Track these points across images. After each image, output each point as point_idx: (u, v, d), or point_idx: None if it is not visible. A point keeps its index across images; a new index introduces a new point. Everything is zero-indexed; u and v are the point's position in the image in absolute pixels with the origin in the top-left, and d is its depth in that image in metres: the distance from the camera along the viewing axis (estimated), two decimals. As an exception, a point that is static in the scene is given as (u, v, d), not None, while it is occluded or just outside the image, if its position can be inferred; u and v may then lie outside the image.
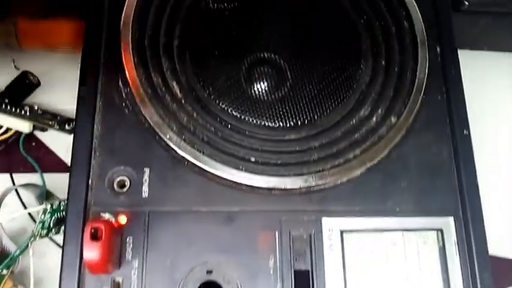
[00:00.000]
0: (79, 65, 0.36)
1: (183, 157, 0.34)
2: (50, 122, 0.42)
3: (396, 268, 0.34)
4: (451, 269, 0.34)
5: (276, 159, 0.35)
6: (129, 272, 0.31)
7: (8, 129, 0.42)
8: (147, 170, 0.33)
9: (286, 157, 0.35)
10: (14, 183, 0.42)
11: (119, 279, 0.31)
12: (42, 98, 0.44)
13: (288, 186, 0.34)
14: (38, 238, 0.36)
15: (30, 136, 0.44)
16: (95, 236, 0.27)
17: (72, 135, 0.36)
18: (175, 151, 0.34)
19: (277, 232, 0.33)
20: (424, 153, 0.36)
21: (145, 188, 0.33)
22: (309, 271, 0.33)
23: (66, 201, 0.34)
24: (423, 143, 0.36)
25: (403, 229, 0.34)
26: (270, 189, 0.34)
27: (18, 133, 0.42)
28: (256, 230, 0.33)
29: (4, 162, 0.43)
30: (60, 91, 0.44)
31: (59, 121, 0.42)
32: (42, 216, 0.35)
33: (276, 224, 0.33)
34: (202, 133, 0.35)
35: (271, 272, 0.32)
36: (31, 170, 0.42)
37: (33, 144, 0.44)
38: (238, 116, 0.36)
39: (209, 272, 0.32)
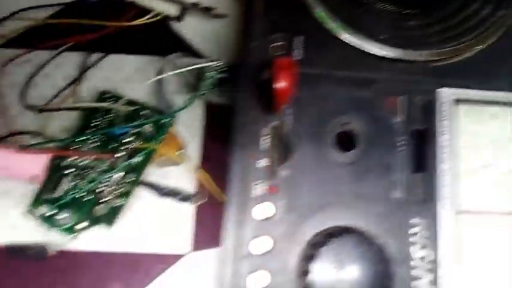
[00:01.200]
0: None
1: (331, 30, 0.41)
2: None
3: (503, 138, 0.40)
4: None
5: (403, 38, 0.41)
6: (285, 117, 0.39)
7: (157, 14, 0.48)
8: (300, 38, 0.40)
9: (411, 36, 0.41)
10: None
11: (276, 123, 0.39)
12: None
13: (412, 58, 0.41)
14: (205, 93, 0.44)
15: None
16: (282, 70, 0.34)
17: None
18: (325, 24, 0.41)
19: (402, 96, 0.40)
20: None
21: (297, 53, 0.40)
22: (424, 131, 0.40)
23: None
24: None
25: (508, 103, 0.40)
26: (397, 60, 0.41)
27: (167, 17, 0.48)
28: (384, 93, 0.40)
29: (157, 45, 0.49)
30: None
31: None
32: (208, 73, 0.42)
33: (400, 90, 0.40)
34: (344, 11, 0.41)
35: (395, 127, 0.40)
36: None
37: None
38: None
39: (346, 123, 0.40)
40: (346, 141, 0.39)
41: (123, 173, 0.43)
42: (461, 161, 0.39)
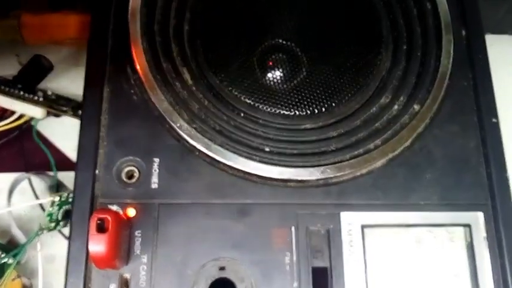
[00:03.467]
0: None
1: (193, 147, 0.32)
2: (64, 108, 0.41)
3: (421, 266, 0.32)
4: (480, 267, 0.31)
5: (292, 149, 0.33)
6: (138, 267, 0.29)
7: (21, 116, 0.40)
8: (156, 160, 0.32)
9: (302, 147, 0.33)
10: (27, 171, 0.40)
11: (127, 275, 0.29)
12: (55, 83, 0.43)
13: (304, 178, 0.32)
14: (46, 231, 0.35)
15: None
16: (101, 228, 0.25)
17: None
18: (186, 140, 0.32)
19: (293, 227, 0.31)
20: (450, 144, 0.34)
21: (154, 179, 0.31)
22: (327, 268, 0.31)
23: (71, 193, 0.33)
24: (448, 132, 0.34)
25: (428, 224, 0.32)
26: (285, 181, 0.32)
27: (31, 119, 0.41)
28: (271, 224, 0.31)
29: (17, 149, 0.42)
30: (74, 76, 0.43)
31: (73, 106, 0.41)
32: (50, 209, 0.34)
33: (292, 218, 0.31)
34: (214, 122, 0.33)
35: (288, 268, 0.30)
36: (44, 158, 0.41)
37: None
38: (252, 103, 0.34)
39: (222, 268, 0.30)
40: (223, 292, 0.30)
41: None
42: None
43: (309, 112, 0.35)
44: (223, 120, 0.33)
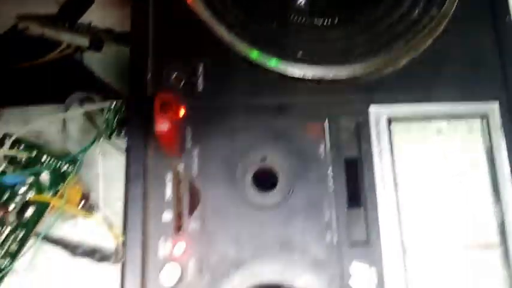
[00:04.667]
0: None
1: (235, 50, 0.35)
2: (106, 38, 0.44)
3: (442, 157, 0.34)
4: (497, 157, 0.34)
5: (323, 54, 0.36)
6: (189, 159, 0.33)
7: (69, 45, 0.43)
8: (201, 65, 0.35)
9: (332, 51, 0.36)
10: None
11: (181, 166, 0.33)
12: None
13: (335, 76, 0.35)
14: (102, 138, 0.38)
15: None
16: (164, 109, 0.28)
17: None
18: (228, 44, 0.35)
19: (326, 121, 0.34)
20: (467, 43, 0.36)
21: (200, 82, 0.35)
22: (357, 158, 0.34)
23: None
24: (465, 32, 0.36)
25: (448, 115, 0.35)
26: (317, 81, 0.35)
27: (76, 50, 0.44)
28: (306, 119, 0.34)
29: (64, 78, 0.44)
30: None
31: (115, 37, 0.44)
32: (107, 115, 0.37)
33: (324, 113, 0.35)
34: (252, 27, 0.36)
35: (322, 157, 0.34)
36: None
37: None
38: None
39: (263, 159, 0.34)
40: (264, 180, 0.33)
41: (11, 228, 0.37)
42: (401, 191, 0.34)
43: (335, 22, 0.37)
44: (261, 26, 0.36)
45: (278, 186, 0.33)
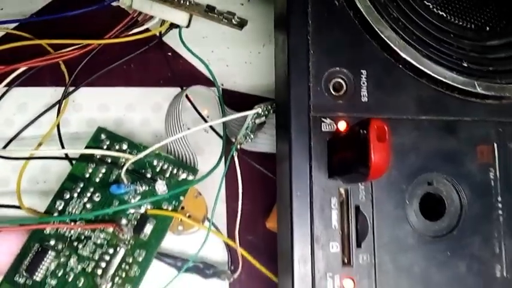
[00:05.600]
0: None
1: (402, 58, 0.30)
2: (214, 15, 0.37)
3: None
4: None
5: (488, 65, 0.32)
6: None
7: (163, 22, 0.37)
8: (364, 72, 0.30)
9: (499, 63, 0.32)
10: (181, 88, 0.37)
11: (343, 189, 0.29)
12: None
13: (505, 94, 0.32)
14: (239, 146, 0.33)
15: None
16: (379, 137, 0.24)
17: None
18: (393, 51, 0.30)
19: (495, 144, 0.31)
20: None
21: (363, 92, 0.30)
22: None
23: (271, 106, 0.31)
24: None
25: None
26: (484, 97, 0.32)
27: (173, 26, 0.37)
28: (474, 141, 0.31)
29: (149, 61, 0.39)
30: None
31: (225, 15, 0.37)
32: (250, 122, 0.31)
33: (493, 135, 0.31)
34: (415, 32, 0.31)
35: (492, 184, 0.31)
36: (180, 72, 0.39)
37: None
38: (445, 15, 0.33)
39: (430, 183, 0.30)
40: (430, 207, 0.30)
41: (128, 248, 0.32)
42: None
43: (498, 29, 0.34)
44: (423, 30, 0.32)
45: (446, 215, 0.30)
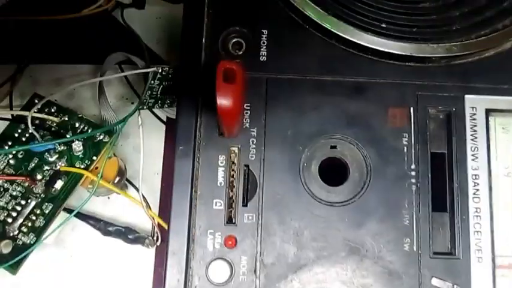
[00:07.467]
0: None
1: (305, 16, 0.29)
2: None
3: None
4: None
5: (411, 27, 0.30)
6: (247, 140, 0.28)
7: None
8: (265, 32, 0.30)
9: (423, 25, 0.30)
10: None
11: (235, 148, 0.28)
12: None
13: (427, 55, 0.29)
14: (145, 107, 0.33)
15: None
16: (227, 78, 0.23)
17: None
18: (297, 9, 0.29)
19: (412, 108, 0.29)
20: None
21: (263, 52, 0.29)
22: (445, 154, 0.29)
23: (169, 68, 0.31)
24: None
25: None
26: (404, 59, 0.29)
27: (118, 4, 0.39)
28: (387, 103, 0.29)
29: (100, 36, 0.40)
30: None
31: None
32: (152, 82, 0.32)
33: (411, 98, 0.29)
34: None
35: (405, 150, 0.29)
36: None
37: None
38: (366, -22, 0.32)
39: (333, 147, 0.29)
40: (333, 172, 0.28)
41: (37, 201, 0.33)
42: (496, 195, 0.28)
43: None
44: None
45: (349, 181, 0.28)
